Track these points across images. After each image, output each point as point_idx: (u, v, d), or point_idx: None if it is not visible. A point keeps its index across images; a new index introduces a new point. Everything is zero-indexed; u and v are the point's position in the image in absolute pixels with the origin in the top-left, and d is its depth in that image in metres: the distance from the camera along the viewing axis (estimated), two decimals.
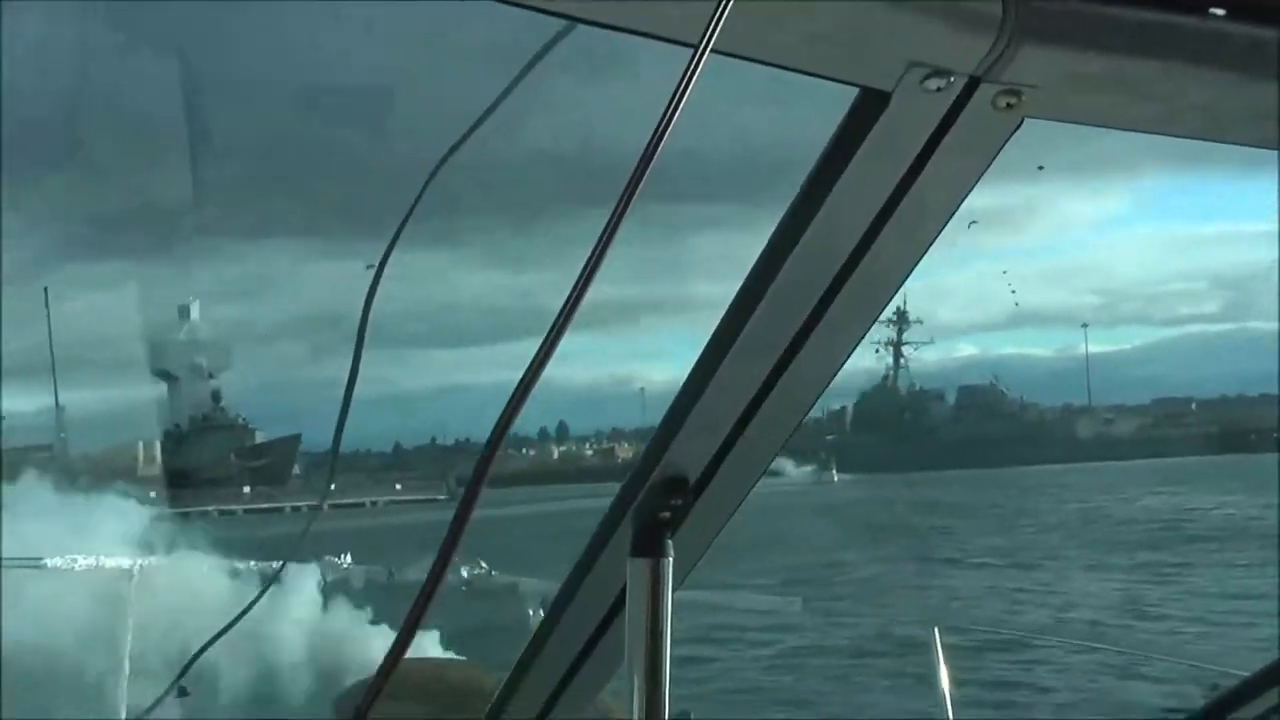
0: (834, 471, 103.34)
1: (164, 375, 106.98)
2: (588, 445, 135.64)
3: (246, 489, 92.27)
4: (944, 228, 2.11)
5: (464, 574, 9.53)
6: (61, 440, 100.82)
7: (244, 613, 3.27)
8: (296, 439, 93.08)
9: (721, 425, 2.38)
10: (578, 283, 1.57)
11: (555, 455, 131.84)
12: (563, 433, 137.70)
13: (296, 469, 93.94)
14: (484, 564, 11.28)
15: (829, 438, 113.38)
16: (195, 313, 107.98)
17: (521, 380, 1.60)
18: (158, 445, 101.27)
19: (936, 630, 6.42)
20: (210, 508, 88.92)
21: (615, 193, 1.54)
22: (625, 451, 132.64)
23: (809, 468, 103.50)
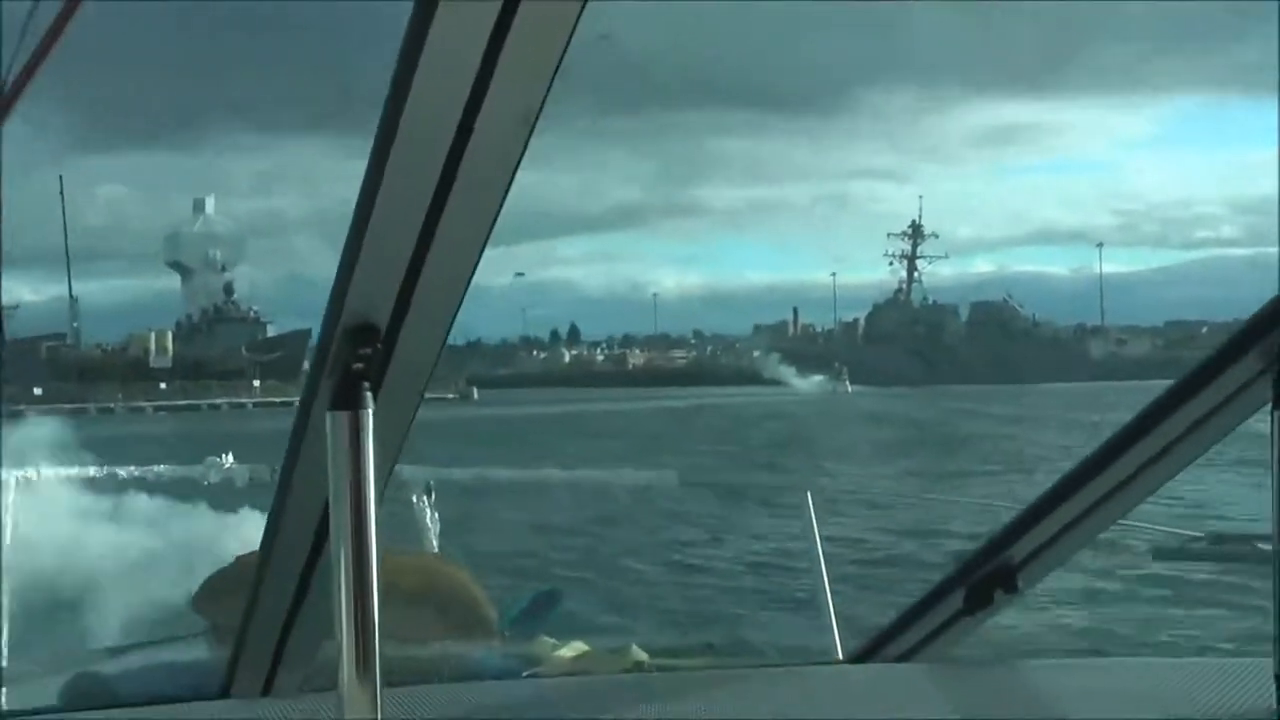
0: (846, 383, 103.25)
1: (178, 267, 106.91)
2: (599, 350, 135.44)
3: (256, 382, 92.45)
4: None
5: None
6: (75, 330, 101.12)
7: None
8: (307, 334, 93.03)
9: (396, 266, 2.27)
10: None
11: (566, 359, 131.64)
12: (574, 336, 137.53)
13: (307, 364, 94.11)
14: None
15: (841, 349, 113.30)
16: (210, 206, 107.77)
17: None
18: (170, 336, 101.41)
19: (809, 494, 6.70)
20: (220, 400, 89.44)
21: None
22: (636, 358, 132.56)
23: (820, 377, 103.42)
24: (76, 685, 5.32)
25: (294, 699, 3.03)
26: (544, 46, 2.04)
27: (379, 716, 2.28)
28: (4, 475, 7.35)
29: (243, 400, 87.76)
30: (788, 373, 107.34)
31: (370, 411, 2.32)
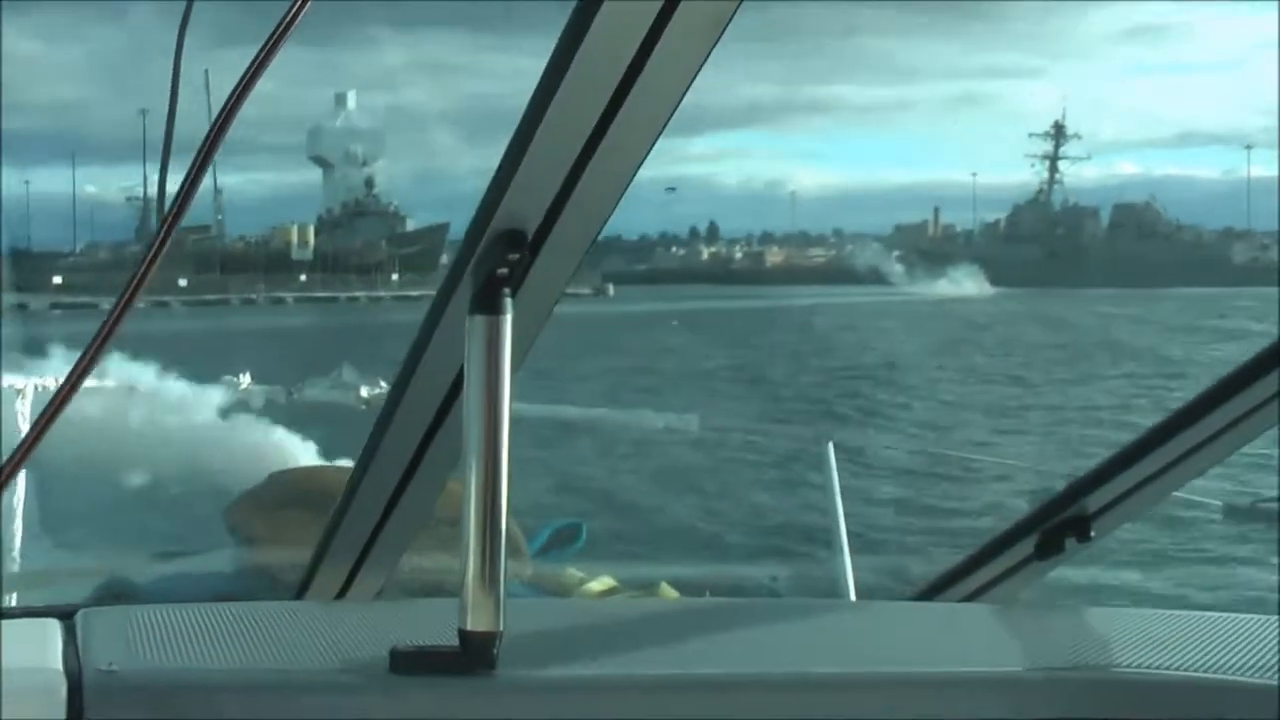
0: (986, 284, 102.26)
1: (319, 161, 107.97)
2: (737, 247, 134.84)
3: (395, 275, 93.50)
4: None
5: (364, 394, 9.42)
6: (219, 222, 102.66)
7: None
8: (445, 227, 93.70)
9: (555, 175, 2.26)
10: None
11: (705, 255, 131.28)
12: (713, 233, 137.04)
13: (444, 258, 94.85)
14: (383, 384, 11.03)
15: (982, 249, 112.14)
16: (352, 101, 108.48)
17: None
18: (311, 229, 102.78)
19: (830, 445, 6.76)
20: (359, 293, 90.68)
21: None
22: (775, 256, 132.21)
23: (961, 277, 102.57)
24: (110, 588, 5.43)
25: (368, 605, 3.08)
26: None
27: (501, 626, 2.31)
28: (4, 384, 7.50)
29: (380, 293, 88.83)
30: (928, 273, 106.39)
31: (509, 318, 2.33)
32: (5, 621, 2.41)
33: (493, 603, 2.33)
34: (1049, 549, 3.18)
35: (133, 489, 11.55)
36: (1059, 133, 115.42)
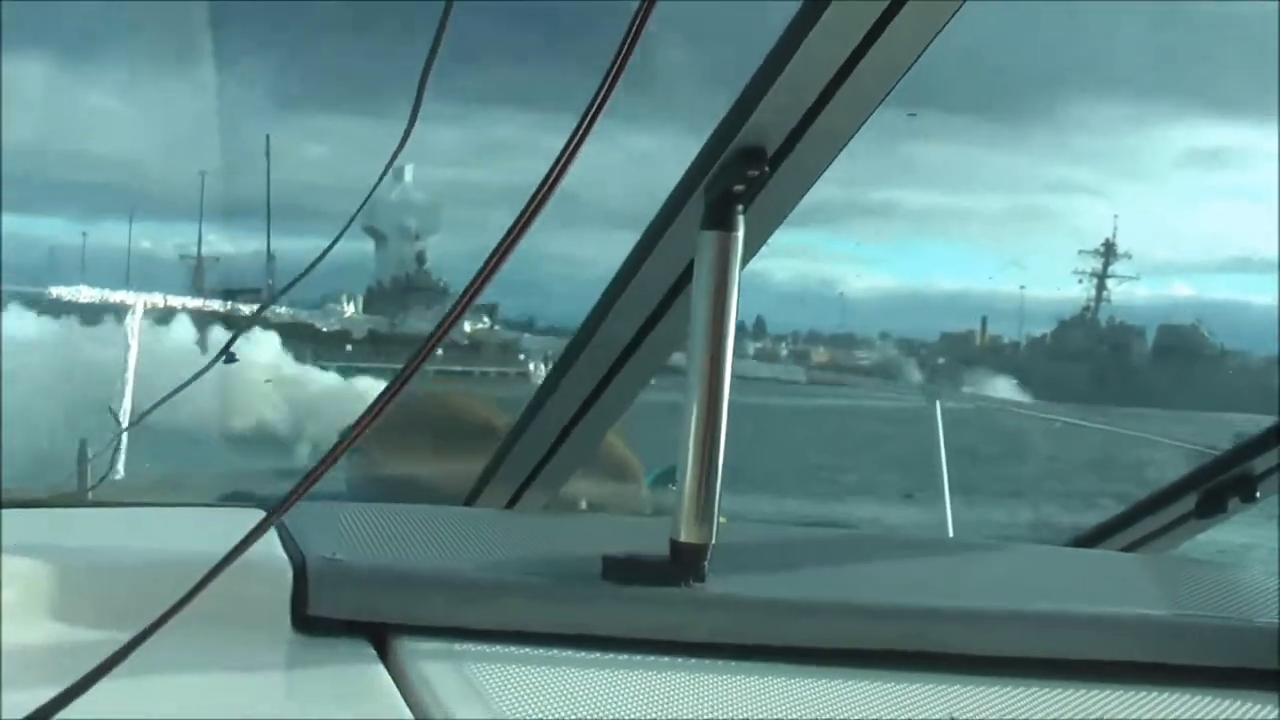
0: (1026, 397, 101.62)
1: (373, 233, 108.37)
2: (783, 344, 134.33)
3: (440, 350, 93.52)
4: None
5: (465, 327, 9.59)
6: (269, 286, 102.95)
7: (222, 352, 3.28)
8: (494, 309, 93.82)
9: (804, 96, 2.30)
10: (558, 160, 1.56)
11: (751, 351, 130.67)
12: (760, 328, 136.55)
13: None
14: (486, 319, 11.11)
15: (1026, 363, 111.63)
16: (409, 175, 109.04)
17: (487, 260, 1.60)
18: (360, 300, 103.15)
19: (938, 404, 6.97)
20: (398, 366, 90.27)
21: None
22: (820, 355, 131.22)
23: (1003, 389, 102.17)
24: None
25: (537, 515, 3.16)
26: None
27: (713, 540, 2.36)
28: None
29: (424, 367, 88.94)
30: (972, 381, 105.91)
31: (740, 235, 2.36)
32: (213, 509, 2.47)
33: (707, 517, 2.40)
34: (1210, 507, 3.22)
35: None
36: (1109, 251, 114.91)
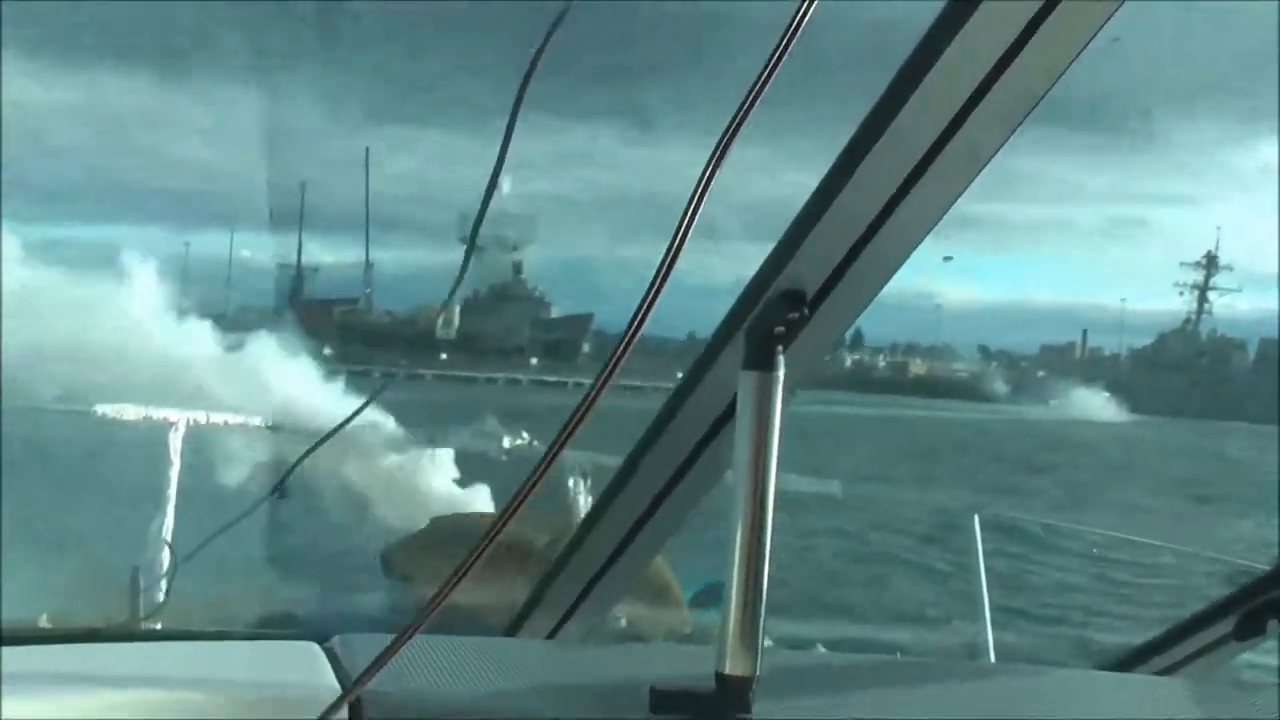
0: (1125, 410, 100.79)
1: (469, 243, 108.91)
2: (880, 356, 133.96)
3: (534, 360, 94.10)
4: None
5: (505, 444, 9.62)
6: (367, 296, 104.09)
7: (341, 425, 3.31)
8: (589, 318, 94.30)
9: (843, 241, 2.34)
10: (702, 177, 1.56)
11: (848, 363, 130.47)
12: (857, 341, 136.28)
13: (586, 347, 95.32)
14: (525, 434, 11.12)
15: (1127, 375, 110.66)
16: (506, 186, 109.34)
17: (654, 280, 1.59)
18: (457, 310, 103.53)
19: (976, 518, 6.83)
20: (497, 375, 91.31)
21: None
22: (918, 367, 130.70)
23: (1104, 402, 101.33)
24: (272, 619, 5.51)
25: (580, 645, 3.16)
26: (1071, 35, 2.13)
27: (757, 671, 2.38)
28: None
29: (518, 376, 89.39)
30: (1074, 395, 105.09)
31: (780, 375, 2.40)
32: (269, 644, 2.51)
33: (751, 649, 2.42)
34: (1250, 629, 3.18)
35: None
36: (1210, 263, 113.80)
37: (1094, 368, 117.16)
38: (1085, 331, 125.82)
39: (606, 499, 3.05)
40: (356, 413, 3.83)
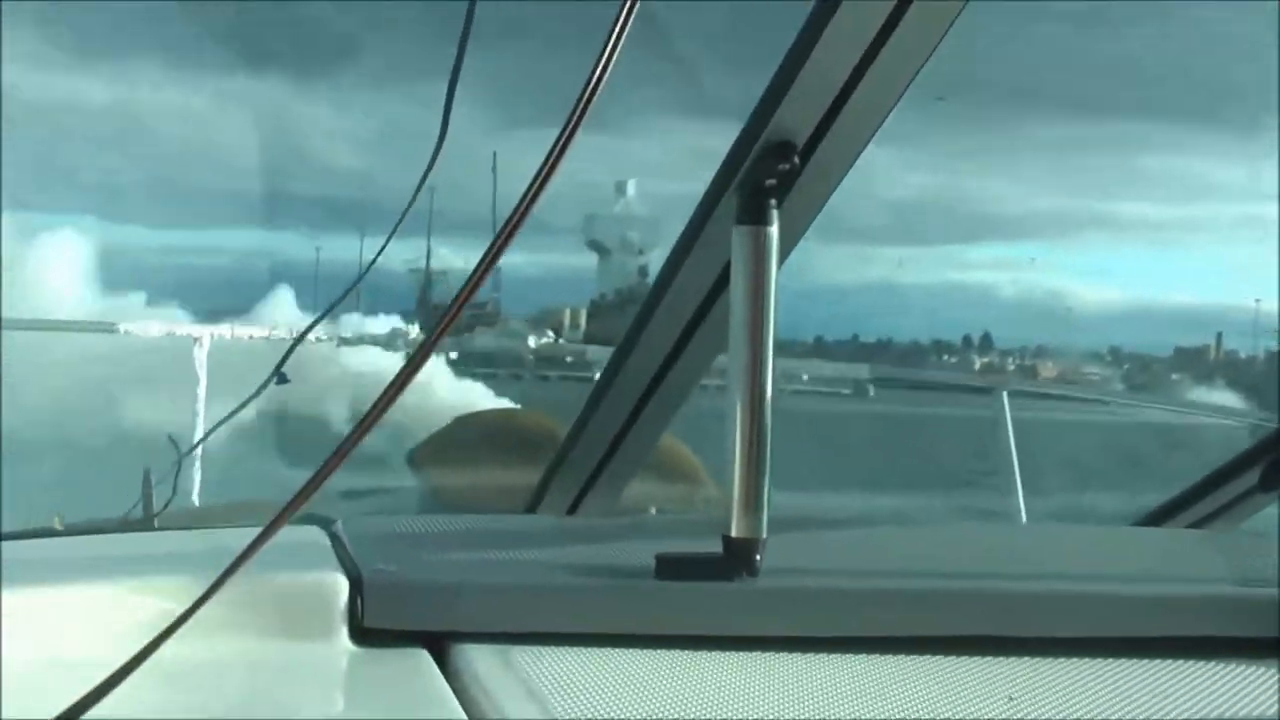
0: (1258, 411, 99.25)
1: (596, 247, 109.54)
2: (1010, 359, 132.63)
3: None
4: None
5: (531, 343, 9.76)
6: (495, 299, 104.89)
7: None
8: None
9: (830, 83, 2.29)
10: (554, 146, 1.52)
11: (978, 366, 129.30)
12: (986, 343, 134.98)
13: None
14: (550, 333, 11.23)
15: (1260, 377, 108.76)
16: (631, 189, 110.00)
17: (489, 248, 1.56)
18: (584, 313, 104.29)
19: (1005, 394, 6.95)
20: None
21: None
22: (1048, 370, 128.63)
23: (1242, 404, 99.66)
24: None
25: (596, 519, 3.17)
26: None
27: (764, 534, 2.35)
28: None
29: None
30: (1209, 398, 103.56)
31: (775, 229, 2.37)
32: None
33: (756, 511, 2.39)
34: (1275, 480, 3.14)
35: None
36: None
37: (1229, 370, 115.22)
38: (1220, 334, 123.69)
39: (611, 372, 3.03)
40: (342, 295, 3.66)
